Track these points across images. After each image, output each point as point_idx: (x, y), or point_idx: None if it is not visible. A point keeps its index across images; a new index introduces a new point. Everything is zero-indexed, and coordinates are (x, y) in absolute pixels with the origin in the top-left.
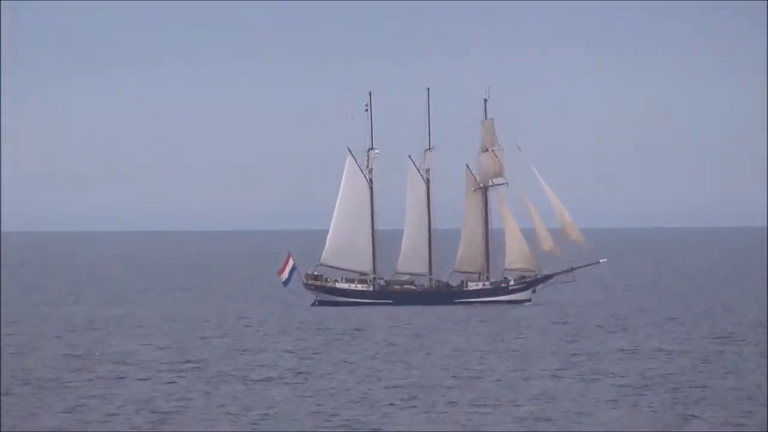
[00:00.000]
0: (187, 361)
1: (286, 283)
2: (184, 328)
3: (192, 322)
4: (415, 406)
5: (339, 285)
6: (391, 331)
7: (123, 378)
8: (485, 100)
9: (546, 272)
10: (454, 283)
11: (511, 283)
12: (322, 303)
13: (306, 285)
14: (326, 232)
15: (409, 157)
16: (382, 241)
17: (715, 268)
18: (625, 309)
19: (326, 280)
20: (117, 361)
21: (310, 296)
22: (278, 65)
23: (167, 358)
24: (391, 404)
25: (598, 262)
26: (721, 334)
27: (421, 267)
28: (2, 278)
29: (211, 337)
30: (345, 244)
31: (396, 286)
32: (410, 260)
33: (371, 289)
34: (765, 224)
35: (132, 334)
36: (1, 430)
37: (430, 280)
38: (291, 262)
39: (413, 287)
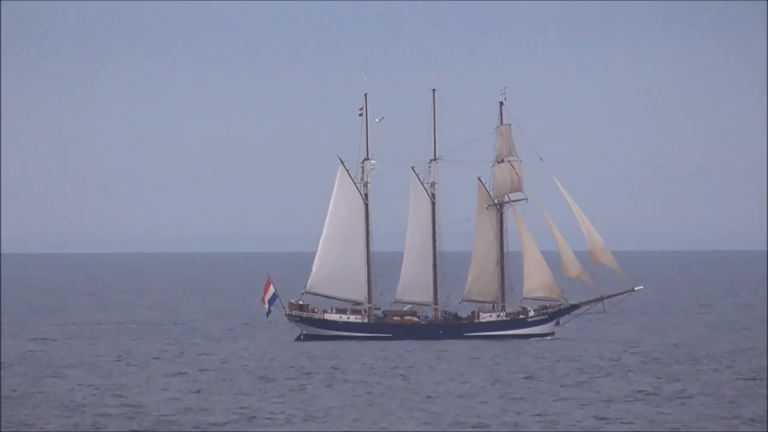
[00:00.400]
0: (122, 405)
1: (268, 313)
2: (128, 367)
3: (141, 359)
4: None
5: (328, 316)
6: (375, 369)
7: (31, 425)
8: (501, 104)
9: (572, 302)
10: (463, 314)
11: (531, 314)
12: (308, 337)
13: (289, 316)
14: (313, 254)
15: (412, 168)
16: (378, 266)
17: (757, 295)
18: (657, 344)
19: (313, 311)
20: (33, 405)
21: (295, 328)
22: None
23: (98, 400)
24: None
25: (633, 290)
26: (759, 375)
27: (425, 295)
28: None
29: (160, 376)
30: (335, 269)
31: (395, 318)
32: (412, 288)
33: (366, 321)
34: None
35: (64, 373)
36: None
37: (436, 310)
38: (271, 289)
39: (416, 319)
